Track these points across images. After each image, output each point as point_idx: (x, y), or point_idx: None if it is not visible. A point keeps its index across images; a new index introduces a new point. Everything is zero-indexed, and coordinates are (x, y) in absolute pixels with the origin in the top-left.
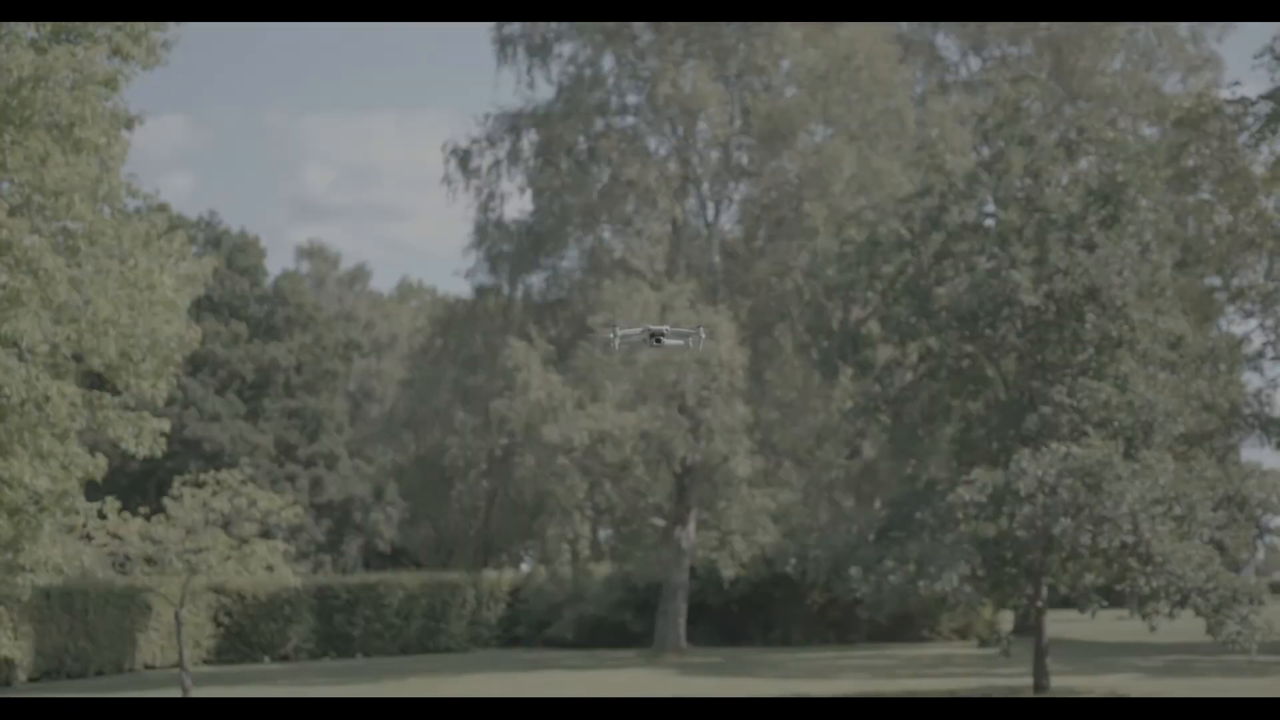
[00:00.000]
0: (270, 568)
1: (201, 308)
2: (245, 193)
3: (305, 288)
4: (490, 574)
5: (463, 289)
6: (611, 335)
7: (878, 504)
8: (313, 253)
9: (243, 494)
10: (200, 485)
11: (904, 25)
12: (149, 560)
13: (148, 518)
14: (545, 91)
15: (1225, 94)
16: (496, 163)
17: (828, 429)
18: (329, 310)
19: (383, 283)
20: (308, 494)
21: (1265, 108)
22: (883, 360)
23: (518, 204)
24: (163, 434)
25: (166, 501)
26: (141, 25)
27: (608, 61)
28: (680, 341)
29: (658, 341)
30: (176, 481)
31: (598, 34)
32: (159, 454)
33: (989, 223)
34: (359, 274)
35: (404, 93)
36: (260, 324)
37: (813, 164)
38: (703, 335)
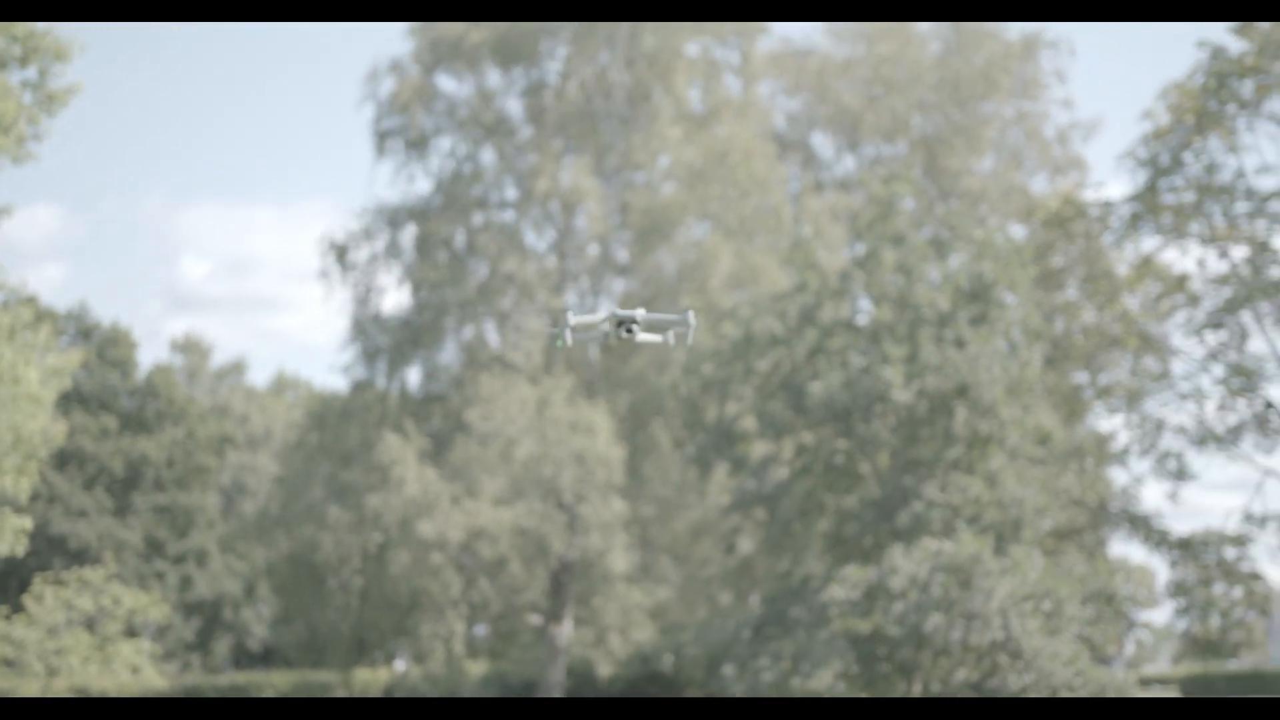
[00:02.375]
0: (135, 669)
1: (70, 401)
2: (119, 284)
3: (178, 381)
4: (363, 673)
5: (339, 383)
6: (559, 329)
7: (754, 600)
8: (187, 345)
9: (107, 592)
10: (63, 584)
11: (781, 125)
12: (7, 663)
13: (6, 618)
14: (424, 185)
15: (1090, 195)
16: (374, 256)
17: (704, 525)
18: (202, 404)
19: (259, 376)
20: (177, 591)
21: (1128, 209)
22: (757, 456)
23: (395, 298)
24: (24, 532)
25: (26, 600)
26: (10, 114)
27: (486, 156)
28: (658, 337)
29: (628, 332)
30: (38, 579)
31: (476, 128)
32: (20, 553)
33: (862, 319)
34: (235, 367)
35: (283, 185)
36: (131, 418)
37: (690, 259)
38: (692, 323)
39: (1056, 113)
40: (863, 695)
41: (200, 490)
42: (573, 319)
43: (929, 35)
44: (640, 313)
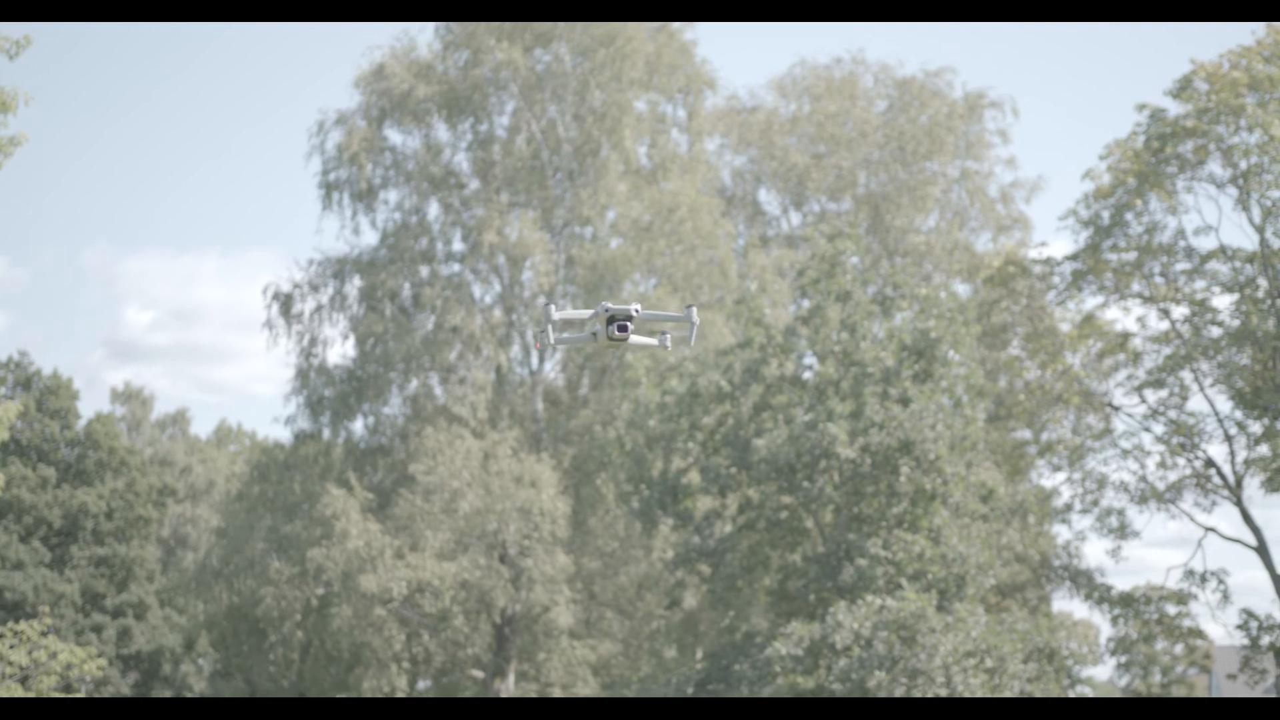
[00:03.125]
0: None
1: (7, 451)
2: (60, 333)
3: (119, 431)
4: None
5: (283, 434)
6: (541, 329)
7: (699, 655)
8: (128, 395)
9: (43, 646)
10: None
11: (727, 180)
12: None
13: None
14: (370, 238)
15: (1033, 254)
16: (319, 308)
17: (649, 579)
18: (143, 454)
19: (201, 426)
20: (115, 645)
21: (1070, 268)
22: (702, 511)
23: (340, 349)
24: None
25: None
26: None
27: (433, 208)
28: (653, 340)
29: (621, 331)
30: None
31: (423, 181)
32: None
33: (807, 376)
34: (177, 417)
35: (228, 234)
36: (70, 468)
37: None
38: (695, 320)
39: (1000, 172)
40: None
41: (140, 542)
42: (556, 313)
43: (874, 93)
44: (636, 308)
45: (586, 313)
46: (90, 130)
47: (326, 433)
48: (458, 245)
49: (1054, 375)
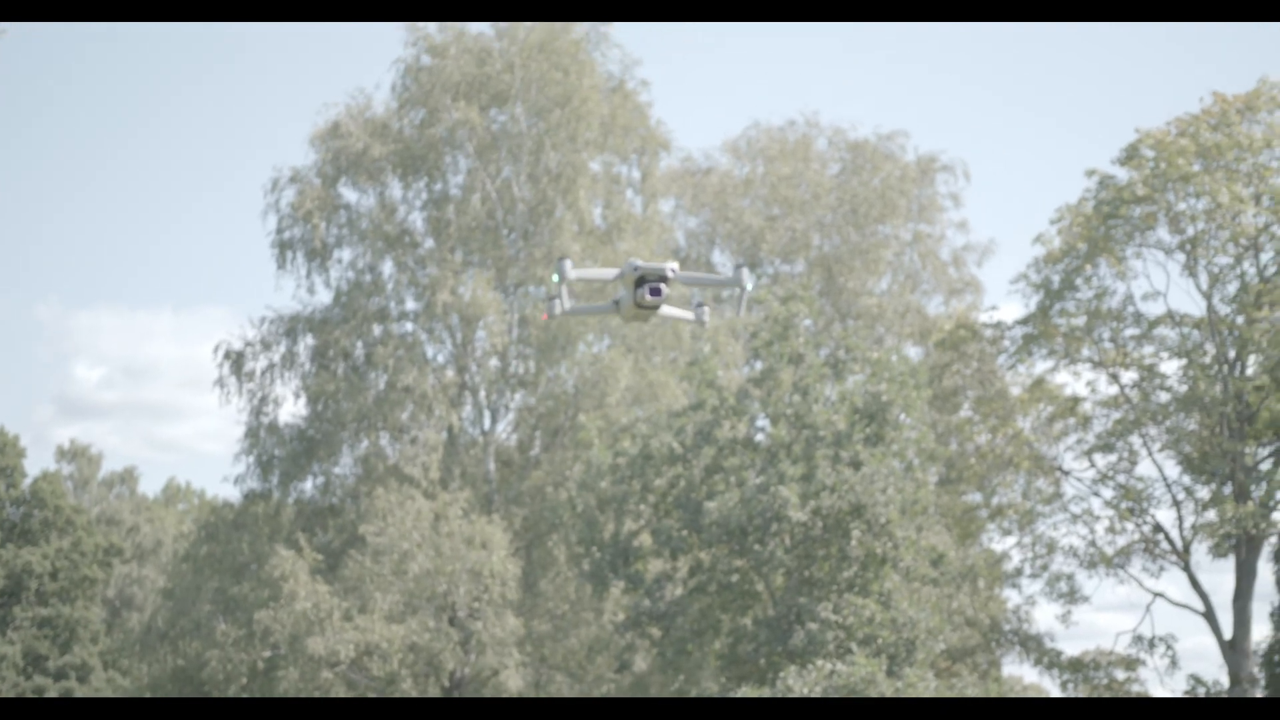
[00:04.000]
0: None
1: None
2: (8, 389)
3: (65, 489)
4: None
5: (232, 493)
6: (555, 286)
7: None
8: (75, 453)
9: None
10: None
11: (681, 241)
12: None
13: None
14: (324, 296)
15: (984, 317)
16: (271, 366)
17: (599, 642)
18: (90, 514)
19: (150, 485)
20: None
21: (1021, 332)
22: (653, 574)
23: (292, 408)
24: None
25: None
26: None
27: (387, 267)
28: (688, 314)
29: (653, 295)
30: None
31: (378, 240)
32: None
33: (759, 438)
34: (125, 476)
35: (182, 291)
36: (15, 528)
37: (589, 375)
38: (748, 285)
39: (952, 235)
40: None
41: (84, 603)
42: (573, 270)
43: (828, 156)
44: (672, 267)
45: (610, 272)
46: (43, 184)
47: (276, 492)
48: (411, 304)
49: (1004, 439)
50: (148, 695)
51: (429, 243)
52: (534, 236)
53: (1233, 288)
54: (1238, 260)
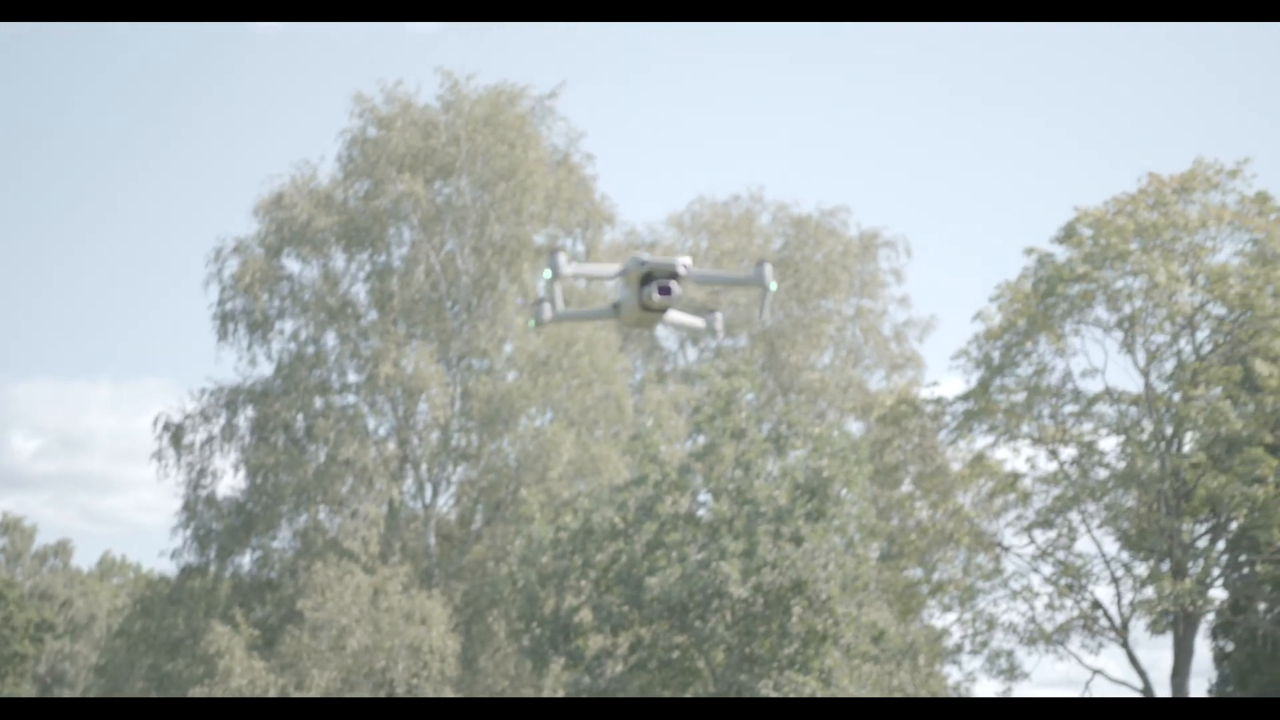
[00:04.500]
0: None
1: None
2: None
3: None
4: None
5: (168, 567)
6: (540, 302)
7: None
8: (8, 526)
9: None
10: None
11: None
12: None
13: None
14: (265, 368)
15: (925, 393)
16: (210, 438)
17: None
18: (22, 587)
19: (85, 558)
20: None
21: (961, 408)
22: (594, 650)
23: (231, 481)
24: None
25: None
26: None
27: (330, 339)
28: (698, 321)
29: (663, 294)
30: None
31: (320, 312)
32: None
33: (701, 513)
34: (59, 549)
35: (121, 362)
36: None
37: (531, 448)
38: (769, 283)
39: (894, 310)
40: None
41: (14, 680)
42: (568, 265)
43: (771, 231)
44: (684, 263)
45: (611, 268)
46: None
47: (213, 567)
48: (353, 377)
49: (945, 514)
50: None
51: (372, 315)
52: (477, 309)
53: (1170, 365)
54: (1174, 338)
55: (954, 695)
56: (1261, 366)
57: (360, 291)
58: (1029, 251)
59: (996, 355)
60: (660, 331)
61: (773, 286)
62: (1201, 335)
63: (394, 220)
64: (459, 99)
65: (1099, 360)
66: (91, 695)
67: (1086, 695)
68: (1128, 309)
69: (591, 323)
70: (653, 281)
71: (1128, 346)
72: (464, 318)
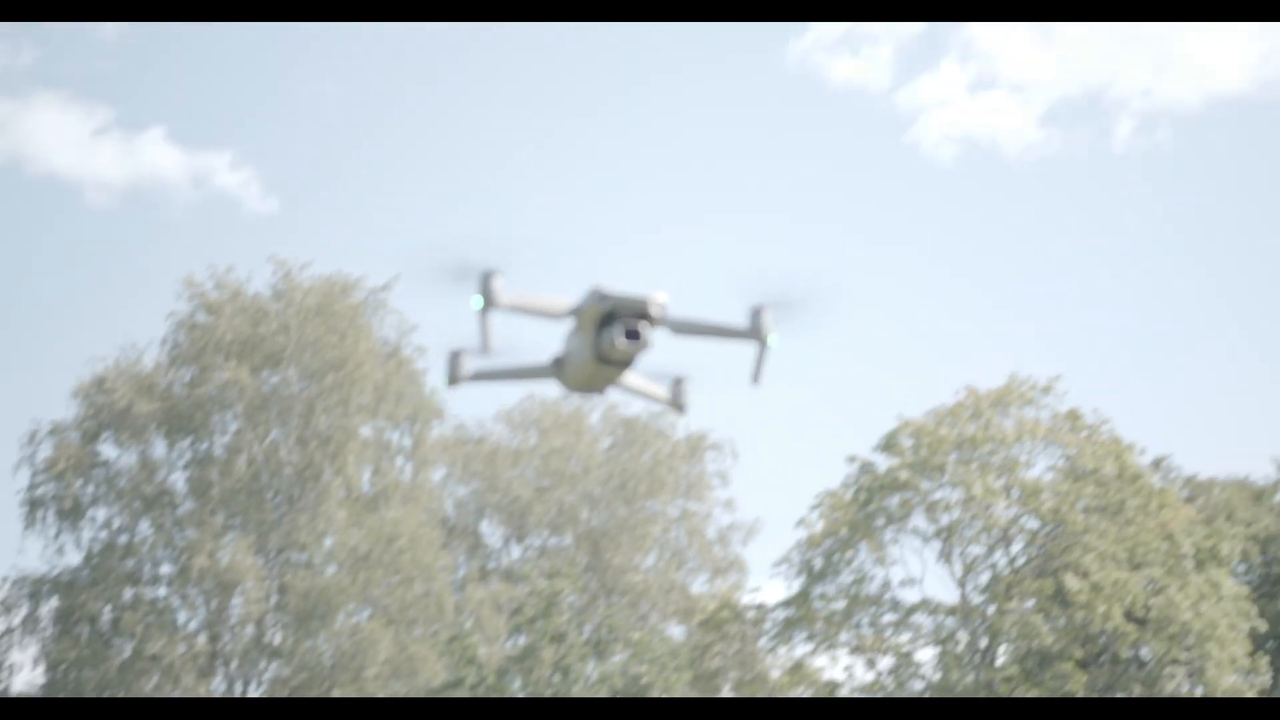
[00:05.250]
0: None
1: None
2: None
3: None
4: None
5: None
6: (453, 365)
7: None
8: None
9: None
10: None
11: (450, 510)
12: None
13: None
14: (73, 557)
15: (747, 599)
16: (10, 630)
17: None
18: None
19: None
20: None
21: (782, 614)
22: None
23: (28, 676)
24: None
25: None
26: None
27: (144, 528)
28: (660, 391)
29: (631, 338)
30: None
31: (136, 500)
32: None
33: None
34: None
35: None
36: None
37: (347, 646)
38: (768, 339)
39: (719, 514)
40: None
41: None
42: (507, 293)
43: (600, 430)
44: (660, 300)
45: (560, 300)
46: None
47: None
48: (166, 568)
49: None
50: None
51: (189, 504)
52: (299, 501)
53: (985, 577)
54: (990, 550)
55: None
56: (1072, 581)
57: (179, 480)
58: (851, 459)
59: (818, 562)
60: (486, 528)
61: (773, 341)
62: (1016, 548)
63: (218, 408)
64: (291, 288)
65: (917, 570)
66: None
67: None
68: (945, 520)
69: (415, 518)
70: (616, 323)
71: (945, 557)
72: (284, 509)
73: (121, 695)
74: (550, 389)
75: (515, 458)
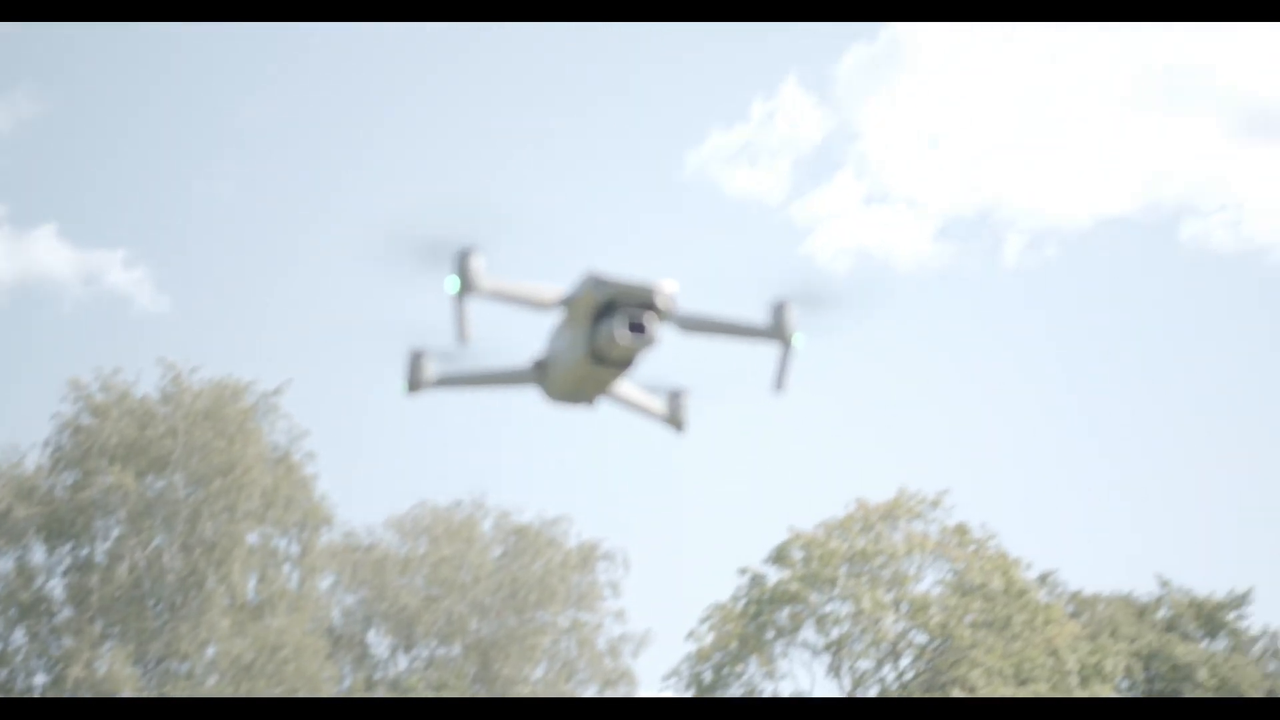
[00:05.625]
0: None
1: None
2: None
3: None
4: None
5: None
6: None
7: None
8: None
9: None
10: None
11: (337, 618)
12: None
13: None
14: None
15: None
16: None
17: None
18: None
19: None
20: None
21: None
22: None
23: None
24: None
25: None
26: None
27: (18, 637)
28: (658, 405)
29: (636, 331)
30: None
31: (11, 607)
32: None
33: None
34: None
35: None
36: None
37: None
38: (795, 342)
39: (609, 624)
40: None
41: None
42: (489, 277)
43: (491, 538)
44: (668, 288)
45: (548, 289)
46: None
47: None
48: (40, 678)
49: None
50: None
51: (67, 611)
52: (181, 609)
53: (874, 691)
54: (879, 664)
55: None
56: (959, 695)
57: (57, 587)
58: (742, 571)
59: (708, 676)
60: (373, 637)
61: (798, 341)
62: (904, 662)
63: (100, 513)
64: (180, 391)
65: (806, 684)
66: None
67: None
68: (835, 633)
69: (301, 628)
70: (617, 313)
71: (835, 671)
72: (166, 617)
73: None
74: (440, 498)
75: (404, 565)
